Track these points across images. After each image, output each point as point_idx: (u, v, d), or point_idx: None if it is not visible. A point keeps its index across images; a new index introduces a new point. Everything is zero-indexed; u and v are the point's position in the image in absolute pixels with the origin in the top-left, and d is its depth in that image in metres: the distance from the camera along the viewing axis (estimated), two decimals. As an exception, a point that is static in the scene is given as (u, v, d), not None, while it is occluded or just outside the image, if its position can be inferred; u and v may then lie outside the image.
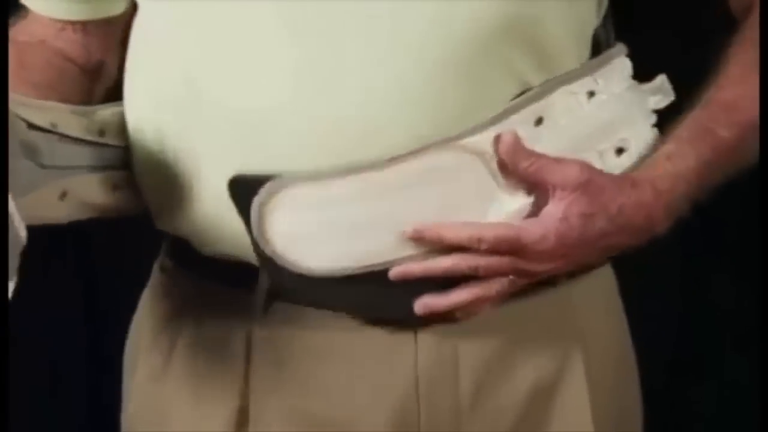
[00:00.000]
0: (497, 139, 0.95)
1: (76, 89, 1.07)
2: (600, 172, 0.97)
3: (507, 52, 0.97)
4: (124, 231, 1.47)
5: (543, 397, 1.05)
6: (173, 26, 1.01)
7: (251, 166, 0.97)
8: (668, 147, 1.01)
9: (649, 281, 1.58)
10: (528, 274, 0.97)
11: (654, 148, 1.02)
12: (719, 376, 1.69)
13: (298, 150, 0.96)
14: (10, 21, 1.08)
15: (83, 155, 0.98)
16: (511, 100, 0.97)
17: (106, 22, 1.09)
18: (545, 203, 0.96)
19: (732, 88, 1.03)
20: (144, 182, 1.06)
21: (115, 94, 1.09)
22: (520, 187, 0.97)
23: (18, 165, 0.87)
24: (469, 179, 0.96)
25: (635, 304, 1.15)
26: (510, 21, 0.96)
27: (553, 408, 1.06)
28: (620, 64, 1.03)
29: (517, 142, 0.95)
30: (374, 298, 0.99)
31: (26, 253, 0.83)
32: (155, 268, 1.14)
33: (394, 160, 0.94)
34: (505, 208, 0.97)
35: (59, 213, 0.96)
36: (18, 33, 1.08)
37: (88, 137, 0.99)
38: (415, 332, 1.03)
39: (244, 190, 0.97)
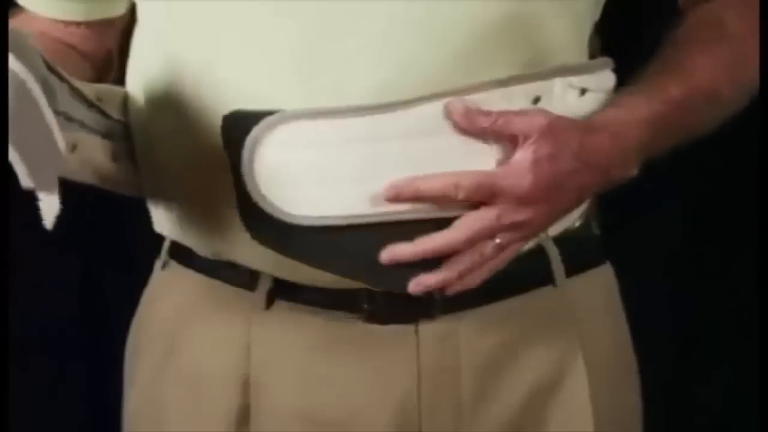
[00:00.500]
0: (447, 108, 0.94)
1: (79, 73, 1.06)
2: (559, 116, 0.97)
3: (505, 50, 0.97)
4: (125, 230, 1.48)
5: (544, 395, 1.06)
6: (174, 15, 1.00)
7: None
8: (622, 96, 1.02)
9: (649, 282, 1.58)
10: (513, 227, 0.96)
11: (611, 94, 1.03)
12: (723, 374, 1.69)
13: None
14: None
15: (88, 115, 0.97)
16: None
17: (109, 22, 1.09)
18: (513, 153, 0.96)
19: (690, 57, 1.05)
20: (145, 183, 1.06)
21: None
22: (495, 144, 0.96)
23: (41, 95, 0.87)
24: (464, 136, 0.95)
25: (635, 304, 1.15)
26: (509, 18, 0.96)
27: (554, 406, 1.06)
28: (608, 75, 1.04)
29: (466, 106, 0.94)
30: (359, 258, 0.96)
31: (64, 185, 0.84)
32: (156, 267, 1.14)
33: (404, 104, 0.93)
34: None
35: (70, 165, 0.94)
36: (18, 25, 1.08)
37: (91, 98, 0.98)
38: (417, 331, 1.03)
39: (239, 123, 0.94)
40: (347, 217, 0.94)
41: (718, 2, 1.09)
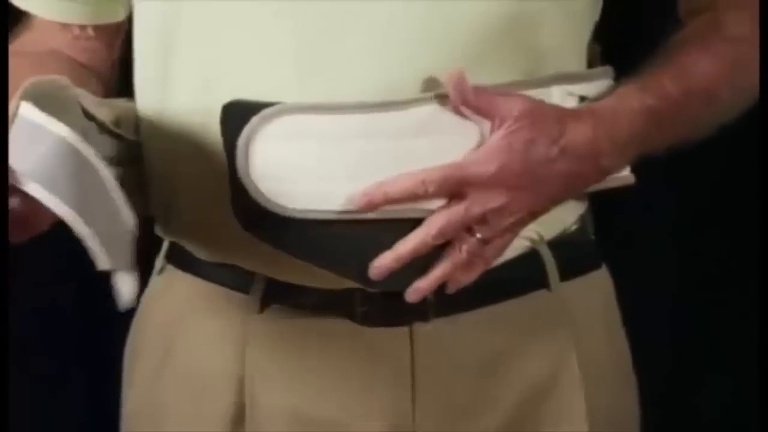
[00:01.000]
0: (448, 74, 0.93)
1: (93, 92, 1.06)
2: (542, 103, 0.96)
3: (504, 49, 0.97)
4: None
5: (538, 397, 1.06)
6: (174, 16, 1.00)
7: None
8: (616, 88, 1.01)
9: (646, 288, 1.58)
10: (488, 216, 0.94)
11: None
12: (720, 381, 1.69)
13: None
14: (14, 31, 1.09)
15: (107, 146, 0.97)
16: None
17: (116, 28, 1.10)
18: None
19: (688, 57, 1.04)
20: (151, 184, 1.06)
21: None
22: None
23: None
24: (461, 136, 0.95)
25: (632, 310, 1.16)
26: (508, 18, 0.97)
27: (548, 409, 1.06)
28: (608, 84, 1.04)
29: (462, 76, 0.93)
30: (351, 254, 0.95)
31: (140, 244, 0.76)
32: (155, 269, 1.14)
33: (402, 103, 0.93)
34: None
35: None
36: (28, 45, 1.08)
37: (110, 127, 0.98)
38: (411, 333, 1.03)
39: (238, 113, 0.94)
40: (341, 212, 0.94)
41: (719, 11, 1.09)
